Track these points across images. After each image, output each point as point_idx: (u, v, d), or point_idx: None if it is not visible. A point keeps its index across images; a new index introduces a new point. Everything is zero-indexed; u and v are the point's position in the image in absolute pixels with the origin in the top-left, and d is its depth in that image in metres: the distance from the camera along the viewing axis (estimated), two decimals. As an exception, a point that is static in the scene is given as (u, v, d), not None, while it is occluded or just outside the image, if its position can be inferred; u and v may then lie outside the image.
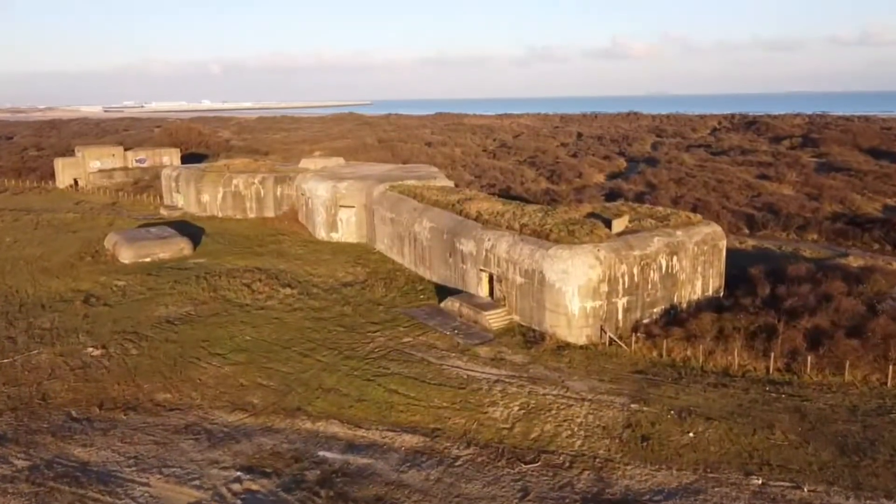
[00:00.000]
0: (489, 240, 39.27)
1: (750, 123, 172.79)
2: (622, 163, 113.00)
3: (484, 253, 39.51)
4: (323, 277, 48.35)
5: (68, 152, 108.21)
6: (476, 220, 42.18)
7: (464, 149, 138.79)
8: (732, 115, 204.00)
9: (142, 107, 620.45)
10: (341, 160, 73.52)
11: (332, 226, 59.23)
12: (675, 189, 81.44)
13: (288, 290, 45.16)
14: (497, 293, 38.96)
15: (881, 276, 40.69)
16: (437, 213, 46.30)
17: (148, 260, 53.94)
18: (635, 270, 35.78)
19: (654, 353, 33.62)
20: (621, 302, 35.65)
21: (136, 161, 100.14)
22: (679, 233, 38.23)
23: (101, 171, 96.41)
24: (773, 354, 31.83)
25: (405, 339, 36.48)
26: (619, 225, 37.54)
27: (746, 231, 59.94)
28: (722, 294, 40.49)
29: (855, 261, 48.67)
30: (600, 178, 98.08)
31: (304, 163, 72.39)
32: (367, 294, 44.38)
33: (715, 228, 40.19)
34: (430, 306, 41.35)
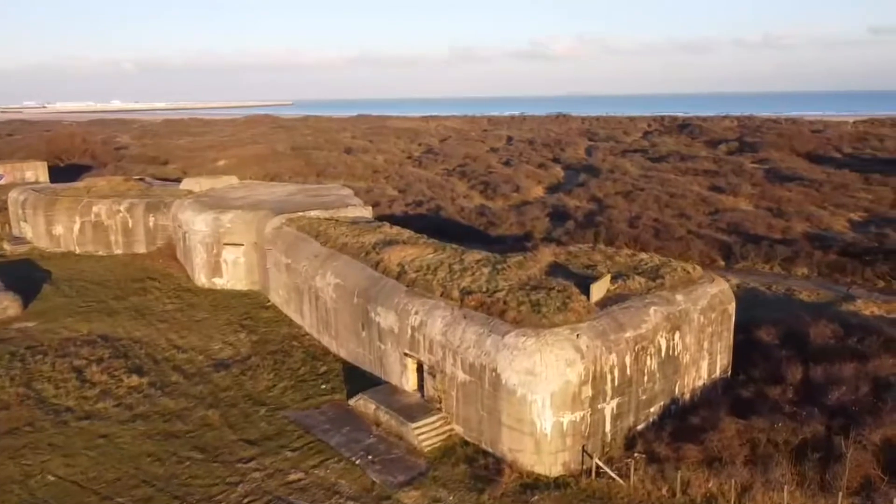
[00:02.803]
0: (417, 313, 27.53)
1: (682, 126, 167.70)
2: (559, 171, 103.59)
3: (409, 331, 27.75)
4: (190, 353, 35.38)
5: None
6: (398, 277, 30.34)
7: (387, 156, 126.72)
8: (662, 118, 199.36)
9: (43, 107, 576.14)
10: (234, 179, 60.16)
11: (215, 269, 46.15)
12: (626, 206, 72.08)
13: (135, 380, 32.04)
14: (430, 390, 27.26)
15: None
16: (344, 263, 34.20)
17: (-47, 327, 39.58)
18: (628, 360, 24.82)
19: (664, 490, 22.69)
20: (609, 407, 24.61)
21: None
22: (679, 297, 27.54)
23: (-58, 190, 79.18)
24: (839, 491, 21.47)
25: (292, 477, 24.19)
26: (599, 290, 26.53)
27: (722, 263, 50.45)
28: (730, 373, 30.20)
29: (867, 306, 39.62)
30: (539, 190, 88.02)
31: (186, 184, 58.65)
32: (247, 383, 31.74)
33: (722, 287, 29.78)
34: (335, 406, 29.20)
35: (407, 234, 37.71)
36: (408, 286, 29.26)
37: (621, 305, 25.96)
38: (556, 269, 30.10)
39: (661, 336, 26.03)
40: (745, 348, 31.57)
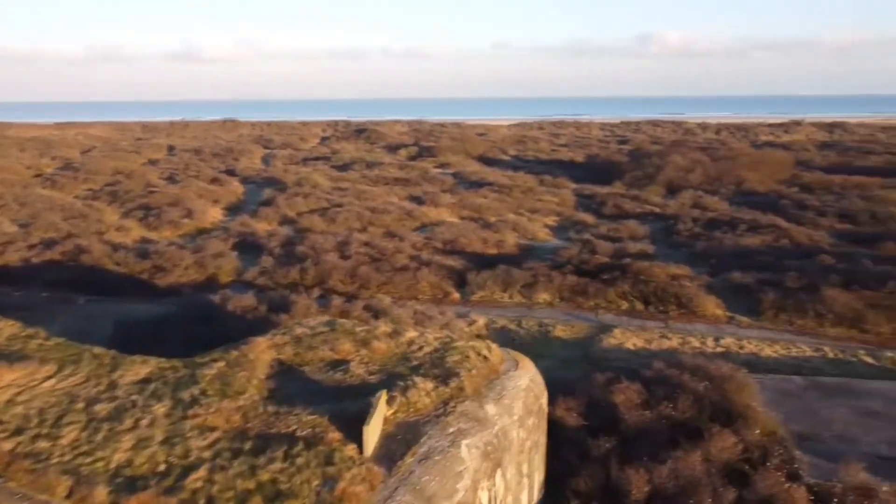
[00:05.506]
0: (15, 544, 13.25)
1: (359, 131, 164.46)
2: (238, 187, 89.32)
3: (2, 585, 13.31)
4: None
5: None
6: (-25, 451, 15.31)
7: (6, 175, 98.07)
8: (336, 122, 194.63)
9: None
10: None
11: None
12: (326, 227, 61.79)
13: None
14: None
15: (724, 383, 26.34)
16: None
17: None
18: (446, 558, 14.10)
19: None
20: None
21: None
22: (491, 409, 17.64)
23: None
24: None
25: None
26: (376, 430, 15.32)
27: (457, 295, 42.91)
28: (544, 489, 21.46)
29: (626, 337, 34.90)
30: (217, 213, 72.81)
31: None
32: None
33: (531, 373, 20.62)
34: None
35: (8, 330, 21.86)
36: (-5, 475, 14.48)
37: (418, 452, 15.09)
38: (284, 380, 18.15)
39: (483, 487, 15.84)
40: (548, 439, 23.21)
